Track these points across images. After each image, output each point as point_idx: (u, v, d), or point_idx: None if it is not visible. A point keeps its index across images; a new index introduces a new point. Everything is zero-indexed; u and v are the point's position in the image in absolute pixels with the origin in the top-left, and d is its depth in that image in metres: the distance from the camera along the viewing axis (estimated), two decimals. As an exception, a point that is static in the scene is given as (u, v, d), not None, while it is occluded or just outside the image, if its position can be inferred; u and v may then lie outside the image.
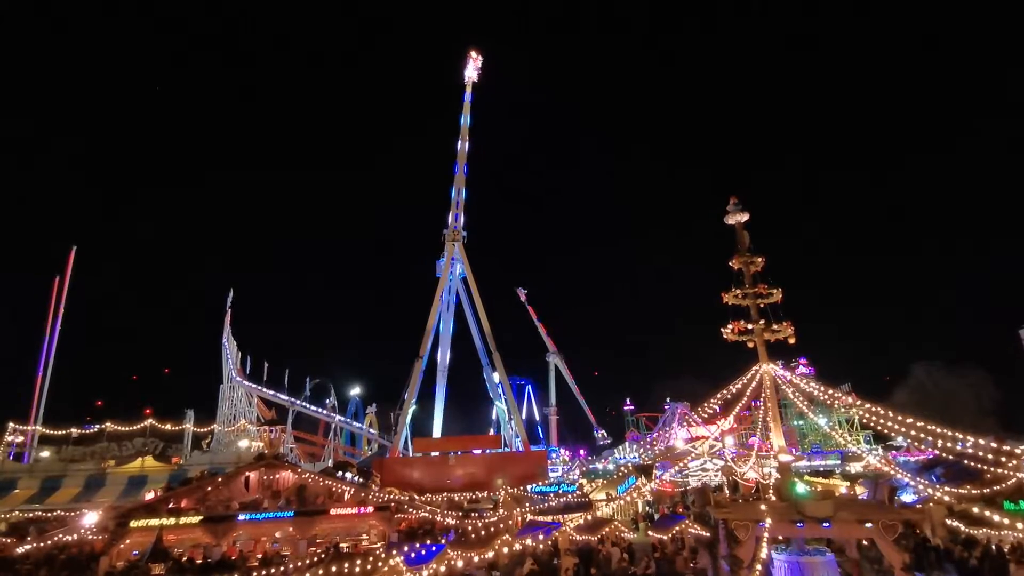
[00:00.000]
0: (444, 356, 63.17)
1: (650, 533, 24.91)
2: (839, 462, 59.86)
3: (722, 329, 18.39)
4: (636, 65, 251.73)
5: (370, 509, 29.06)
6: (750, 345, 18.38)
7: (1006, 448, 20.69)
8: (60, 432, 50.26)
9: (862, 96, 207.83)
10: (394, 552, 19.15)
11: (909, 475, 24.27)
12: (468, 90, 67.99)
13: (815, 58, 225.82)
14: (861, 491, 29.22)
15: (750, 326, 18.18)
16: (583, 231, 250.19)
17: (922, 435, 19.49)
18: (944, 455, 26.91)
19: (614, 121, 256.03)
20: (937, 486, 22.58)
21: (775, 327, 17.99)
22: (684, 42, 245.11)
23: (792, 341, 18.12)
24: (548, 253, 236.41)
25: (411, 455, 54.98)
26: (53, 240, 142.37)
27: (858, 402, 24.54)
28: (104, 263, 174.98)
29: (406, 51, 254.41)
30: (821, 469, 56.63)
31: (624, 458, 72.66)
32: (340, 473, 31.09)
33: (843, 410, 55.67)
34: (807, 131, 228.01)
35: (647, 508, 37.67)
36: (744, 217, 19.43)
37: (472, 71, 68.32)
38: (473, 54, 68.17)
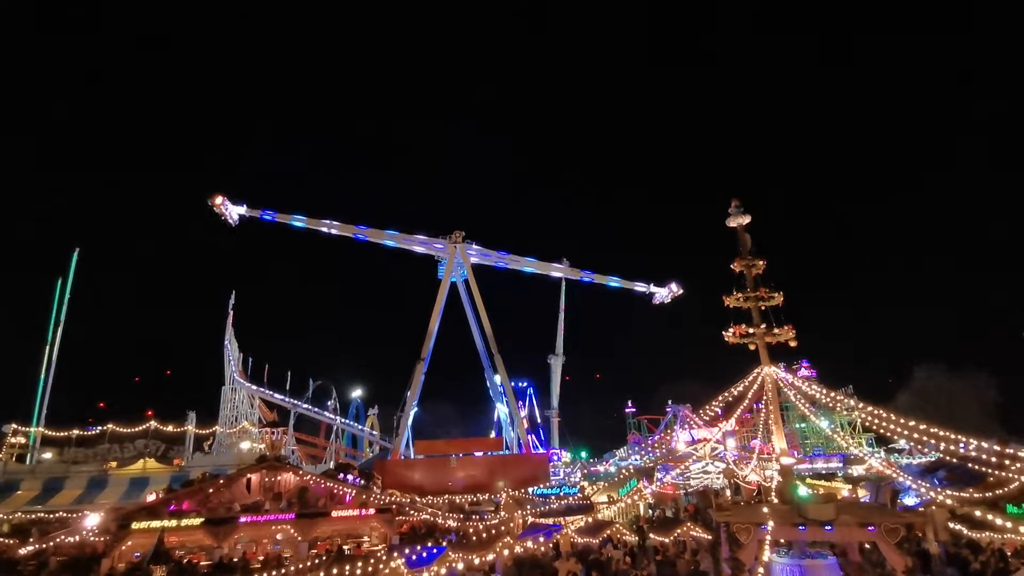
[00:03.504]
0: None
1: (651, 536, 24.87)
2: (841, 465, 59.66)
3: (724, 332, 18.41)
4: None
5: (371, 511, 29.11)
6: (751, 348, 18.39)
7: (1009, 451, 20.57)
8: (62, 434, 50.47)
9: (873, 101, 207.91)
10: (395, 554, 19.13)
11: (911, 478, 24.19)
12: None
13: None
14: (863, 494, 29.18)
15: (751, 329, 18.19)
16: (584, 230, 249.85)
17: (925, 438, 19.43)
18: (947, 458, 26.85)
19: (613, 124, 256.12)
20: (940, 489, 22.50)
21: (776, 330, 18.01)
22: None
23: (793, 344, 18.13)
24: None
25: (412, 457, 54.99)
26: (55, 241, 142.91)
27: (860, 405, 24.50)
28: (105, 264, 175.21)
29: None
30: (823, 472, 56.43)
31: (625, 460, 72.63)
32: (341, 475, 31.12)
33: (845, 413, 55.54)
34: (809, 130, 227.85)
35: (648, 511, 37.64)
36: (746, 220, 19.43)
37: (231, 212, 52.96)
38: (217, 200, 51.95)
